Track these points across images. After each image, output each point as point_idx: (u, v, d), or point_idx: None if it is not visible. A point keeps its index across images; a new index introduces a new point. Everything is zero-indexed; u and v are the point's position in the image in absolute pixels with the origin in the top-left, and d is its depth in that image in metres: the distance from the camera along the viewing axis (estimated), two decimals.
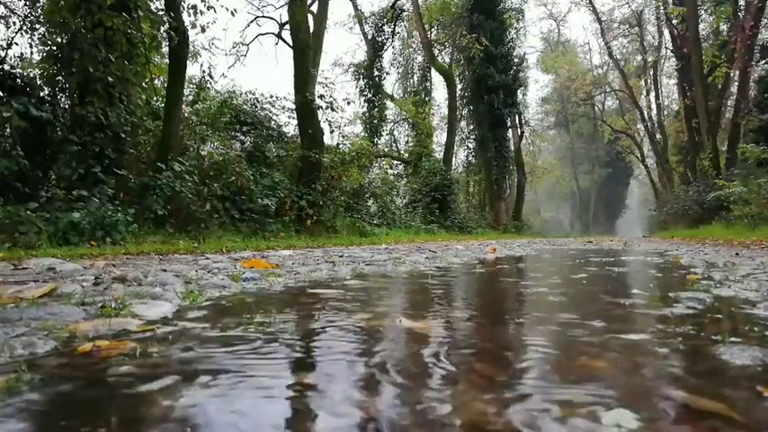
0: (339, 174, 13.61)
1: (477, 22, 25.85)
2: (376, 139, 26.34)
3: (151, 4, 9.69)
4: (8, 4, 9.33)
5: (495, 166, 27.57)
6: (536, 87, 54.37)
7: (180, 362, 1.13)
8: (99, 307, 1.75)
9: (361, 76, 27.57)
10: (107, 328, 1.43)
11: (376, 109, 27.36)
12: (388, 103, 29.14)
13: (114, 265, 3.82)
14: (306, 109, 12.78)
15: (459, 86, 27.87)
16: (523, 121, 33.28)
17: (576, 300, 2.29)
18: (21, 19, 9.02)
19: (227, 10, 11.55)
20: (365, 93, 27.38)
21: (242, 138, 13.90)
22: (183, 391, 0.92)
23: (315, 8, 17.15)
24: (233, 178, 10.41)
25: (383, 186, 19.41)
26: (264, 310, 1.81)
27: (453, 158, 28.75)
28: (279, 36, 22.89)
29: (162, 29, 9.73)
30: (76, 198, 7.12)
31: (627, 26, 35.02)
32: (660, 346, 1.28)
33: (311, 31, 14.34)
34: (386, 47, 28.81)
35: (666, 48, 33.14)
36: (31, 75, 8.72)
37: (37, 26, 9.04)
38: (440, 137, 32.35)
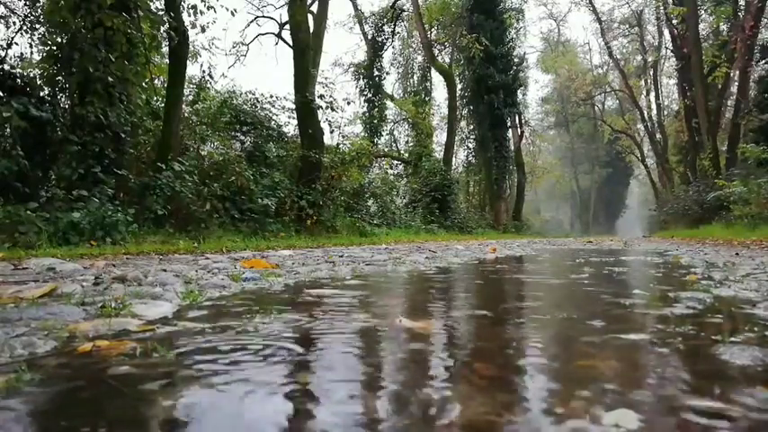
0: (339, 174, 13.62)
1: (477, 22, 25.84)
2: (376, 139, 26.34)
3: (151, 4, 9.69)
4: (8, 4, 9.33)
5: (495, 166, 27.57)
6: (536, 87, 54.46)
7: (180, 362, 1.13)
8: (99, 307, 1.75)
9: (361, 76, 27.57)
10: (107, 328, 1.43)
11: (376, 109, 27.36)
12: (388, 103, 29.14)
13: (114, 265, 3.82)
14: (306, 109, 12.79)
15: (459, 86, 27.87)
16: (523, 121, 33.29)
17: (576, 300, 2.29)
18: (21, 19, 9.02)
19: (227, 10, 11.55)
20: (365, 93, 27.38)
21: (242, 138, 13.90)
22: (183, 390, 0.92)
23: (315, 8, 17.15)
24: (233, 178, 10.41)
25: (383, 186, 19.42)
26: (264, 310, 1.81)
27: (453, 158, 28.76)
28: (279, 36, 22.90)
29: (162, 29, 9.73)
30: (76, 198, 7.12)
31: (627, 26, 35.03)
32: (660, 346, 1.28)
33: (311, 31, 14.34)
34: (386, 47, 28.84)
35: (666, 48, 33.18)
36: (31, 75, 8.72)
37: (37, 26, 9.05)
38: (440, 137, 32.38)
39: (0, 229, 5.85)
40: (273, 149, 13.51)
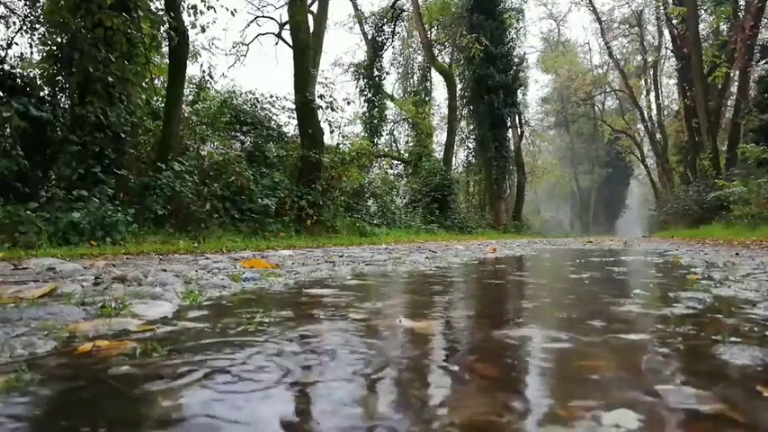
0: (339, 174, 13.62)
1: (477, 22, 25.84)
2: (376, 139, 26.34)
3: (151, 4, 9.69)
4: (8, 4, 9.33)
5: (495, 166, 27.57)
6: (536, 87, 54.41)
7: (180, 362, 1.13)
8: (99, 307, 1.75)
9: (361, 76, 27.57)
10: (107, 328, 1.43)
11: (376, 109, 27.36)
12: (388, 103, 29.13)
13: (114, 265, 3.82)
14: (306, 109, 12.78)
15: (459, 86, 27.87)
16: (523, 121, 33.29)
17: (576, 299, 2.29)
18: (21, 19, 9.02)
19: (227, 10, 11.55)
20: (365, 93, 27.38)
21: (242, 138, 13.90)
22: (183, 391, 0.92)
23: (315, 8, 17.15)
24: (233, 178, 10.41)
25: (383, 186, 19.41)
26: (264, 310, 1.81)
27: (453, 158, 28.76)
28: (279, 36, 22.90)
29: (162, 29, 9.72)
30: (76, 198, 7.12)
31: (627, 26, 35.02)
32: (660, 345, 1.28)
33: (311, 30, 14.34)
34: (386, 47, 28.84)
35: (666, 48, 33.17)
36: (31, 75, 8.71)
37: (37, 26, 9.04)
38: (440, 137, 32.38)
39: (0, 229, 5.85)
40: (273, 149, 13.51)
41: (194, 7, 10.08)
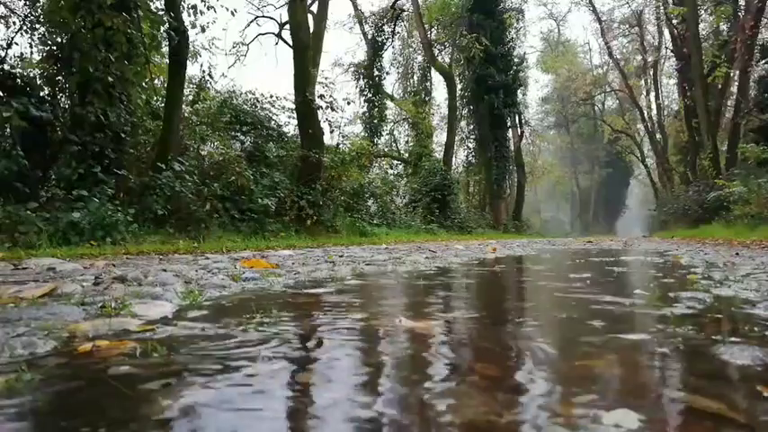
0: (339, 174, 13.61)
1: (477, 22, 25.84)
2: (376, 139, 26.34)
3: (151, 4, 9.70)
4: (8, 3, 9.34)
5: (495, 166, 27.57)
6: (536, 87, 54.34)
7: (180, 362, 1.13)
8: (99, 307, 1.75)
9: (361, 76, 27.55)
10: (107, 328, 1.43)
11: (376, 109, 27.35)
12: (388, 103, 29.13)
13: (114, 265, 3.82)
14: (306, 109, 12.78)
15: (459, 86, 27.87)
16: (523, 121, 33.27)
17: (576, 299, 2.29)
18: (21, 19, 9.02)
19: (227, 10, 11.57)
20: (365, 93, 27.37)
21: (242, 138, 13.90)
22: (183, 390, 0.92)
23: (315, 8, 17.16)
24: (233, 178, 10.41)
25: (383, 186, 19.41)
26: (265, 310, 1.81)
27: (453, 158, 28.76)
28: (279, 36, 22.89)
29: (162, 29, 9.73)
30: (76, 198, 7.12)
31: (627, 26, 34.98)
32: (660, 345, 1.28)
33: (311, 31, 14.35)
34: (386, 47, 28.82)
35: (666, 48, 33.13)
36: (31, 75, 8.71)
37: (37, 26, 9.03)
38: (440, 137, 32.36)
39: (0, 229, 5.85)
40: (273, 149, 13.51)
41: (194, 7, 10.09)
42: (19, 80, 8.13)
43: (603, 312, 1.82)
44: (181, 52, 10.11)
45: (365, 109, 27.36)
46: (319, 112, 13.47)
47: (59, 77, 8.56)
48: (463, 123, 30.05)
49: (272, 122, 14.68)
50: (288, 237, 10.46)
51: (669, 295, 2.19)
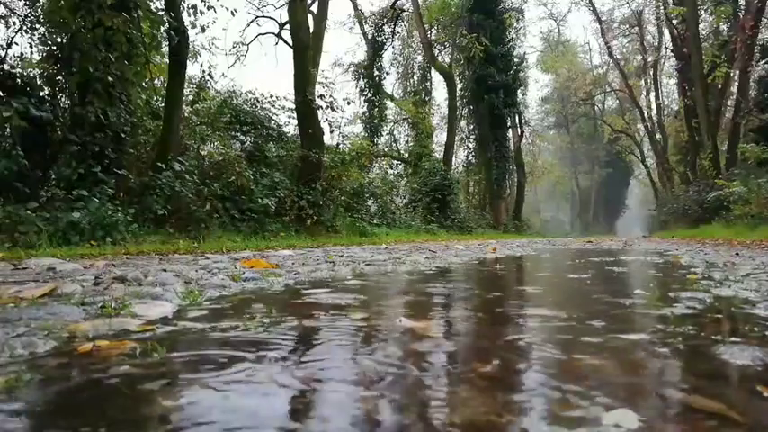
0: (339, 174, 13.61)
1: (477, 22, 25.84)
2: (376, 139, 26.34)
3: (151, 4, 9.69)
4: (8, 3, 9.33)
5: (495, 166, 27.57)
6: (536, 87, 54.37)
7: (180, 361, 1.13)
8: (99, 307, 1.75)
9: (361, 76, 27.55)
10: (107, 328, 1.43)
11: (376, 109, 27.35)
12: (388, 103, 29.13)
13: (114, 265, 3.82)
14: (306, 109, 12.78)
15: (459, 86, 27.87)
16: (523, 121, 33.29)
17: (576, 299, 2.29)
18: (21, 19, 9.01)
19: (227, 10, 11.56)
20: (365, 93, 27.37)
21: (242, 138, 13.90)
22: (183, 390, 0.92)
23: (315, 8, 17.16)
24: (233, 178, 10.41)
25: (383, 186, 19.41)
26: (265, 310, 1.81)
27: (453, 158, 28.77)
28: (279, 36, 22.88)
29: (162, 29, 9.72)
30: (76, 198, 7.12)
31: (627, 26, 34.98)
32: (660, 345, 1.28)
33: (311, 30, 14.34)
34: (386, 47, 28.81)
35: (666, 48, 33.15)
36: (31, 75, 8.71)
37: (37, 26, 9.03)
38: (440, 137, 32.38)
39: (0, 229, 5.85)
40: (273, 149, 13.51)
41: (194, 7, 10.08)
42: (19, 80, 8.13)
43: (603, 312, 1.82)
44: (181, 52, 10.11)
45: (365, 109, 27.37)
46: (319, 112, 13.48)
47: (59, 77, 8.55)
48: (463, 123, 30.06)
49: (272, 122, 14.68)
50: (288, 237, 10.46)
51: (669, 295, 2.19)
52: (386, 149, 28.30)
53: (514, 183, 31.35)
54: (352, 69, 28.56)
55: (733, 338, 1.34)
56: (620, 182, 56.44)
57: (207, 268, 3.59)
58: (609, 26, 35.40)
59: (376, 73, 27.82)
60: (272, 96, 14.86)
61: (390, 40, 29.08)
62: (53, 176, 7.88)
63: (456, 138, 28.10)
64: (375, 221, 16.37)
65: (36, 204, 6.64)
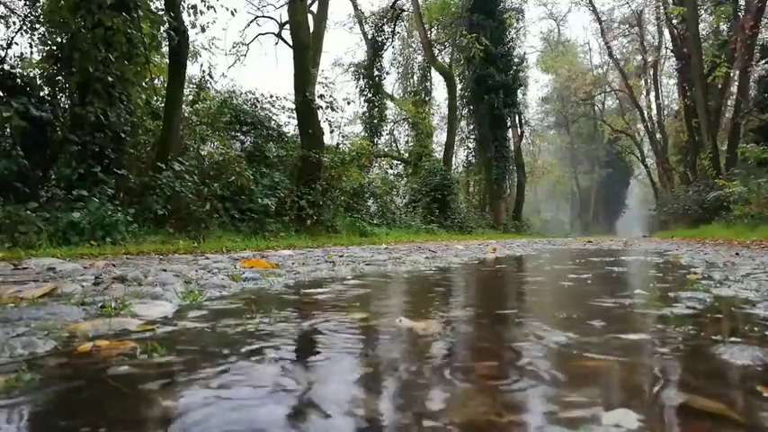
0: (339, 174, 13.61)
1: (477, 22, 25.84)
2: (376, 139, 26.34)
3: (151, 4, 9.69)
4: (8, 3, 9.33)
5: (495, 166, 27.57)
6: (536, 87, 54.35)
7: (180, 362, 1.13)
8: (99, 307, 1.75)
9: (361, 76, 27.55)
10: (107, 328, 1.43)
11: (376, 109, 27.34)
12: (388, 103, 29.12)
13: (114, 265, 3.82)
14: (306, 109, 12.78)
15: (459, 86, 27.86)
16: (523, 121, 33.27)
17: (576, 299, 2.29)
18: (21, 19, 9.01)
19: (227, 10, 11.57)
20: (365, 93, 27.36)
21: (242, 138, 13.90)
22: (183, 390, 0.92)
23: (315, 8, 17.15)
24: (233, 178, 10.41)
25: (383, 186, 19.41)
26: (265, 310, 1.81)
27: (453, 158, 28.76)
28: (279, 36, 22.88)
29: (162, 29, 9.72)
30: (76, 198, 7.12)
31: (627, 26, 34.97)
32: (660, 345, 1.28)
33: (311, 30, 14.34)
34: (386, 47, 28.81)
35: (666, 48, 33.13)
36: (31, 75, 8.71)
37: (37, 26, 9.03)
38: (440, 137, 32.37)
39: (0, 229, 5.85)
40: (273, 149, 13.51)
41: (194, 7, 10.09)
42: (19, 80, 8.13)
43: (603, 312, 1.82)
44: (181, 52, 10.11)
45: (365, 109, 27.37)
46: (319, 112, 13.48)
47: (59, 77, 8.55)
48: (463, 123, 30.05)
49: (272, 122, 14.68)
50: (288, 237, 10.46)
51: (669, 295, 2.19)
52: (386, 149, 28.30)
53: (514, 183, 31.35)
54: (352, 69, 28.57)
55: (733, 338, 1.34)
56: (620, 182, 56.45)
57: (207, 268, 3.59)
58: (609, 26, 35.40)
59: (376, 73, 27.82)
60: (272, 96, 14.88)
61: (390, 40, 29.10)
62: (53, 176, 7.88)
63: (456, 138, 28.10)
64: (375, 221, 16.37)
65: (36, 204, 6.64)
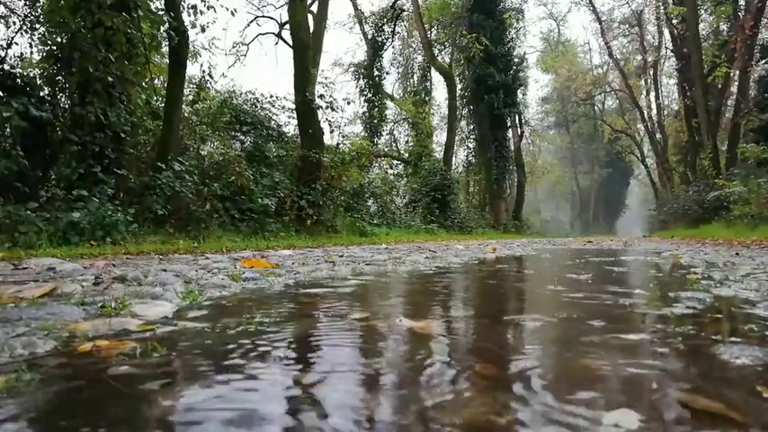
0: (339, 174, 13.61)
1: (477, 22, 25.85)
2: (376, 139, 26.35)
3: (151, 3, 9.69)
4: (8, 3, 9.32)
5: (495, 166, 27.58)
6: (536, 87, 54.45)
7: (180, 361, 1.13)
8: (99, 307, 1.75)
9: (361, 76, 27.55)
10: (107, 328, 1.43)
11: (376, 109, 27.34)
12: (388, 103, 29.12)
13: (114, 265, 3.82)
14: (306, 109, 12.78)
15: (459, 86, 27.87)
16: (523, 121, 33.28)
17: (575, 299, 2.29)
18: (21, 19, 9.01)
19: (227, 10, 11.57)
20: (365, 93, 27.36)
21: (242, 138, 13.90)
22: (183, 390, 0.92)
23: (315, 8, 17.15)
24: (233, 178, 10.41)
25: (383, 186, 19.41)
26: (265, 310, 1.81)
27: (453, 158, 28.76)
28: (279, 36, 22.89)
29: (162, 29, 9.72)
30: (76, 198, 7.12)
31: (627, 26, 34.97)
32: (660, 345, 1.28)
33: (311, 30, 14.34)
34: (386, 47, 28.81)
35: (666, 48, 33.14)
36: (31, 75, 8.70)
37: (37, 26, 9.03)
38: (440, 137, 32.38)
39: (0, 229, 5.85)
40: (273, 149, 13.51)
41: (194, 7, 10.09)
42: (19, 80, 8.12)
43: (603, 312, 1.82)
44: (181, 52, 10.11)
45: (365, 109, 27.37)
46: (319, 112, 13.48)
47: (59, 77, 8.55)
48: (463, 123, 30.06)
49: (272, 122, 14.68)
50: (288, 237, 10.46)
51: (669, 295, 2.19)
52: (386, 149, 28.29)
53: (514, 183, 31.35)
54: (352, 69, 28.58)
55: (733, 338, 1.34)
56: (620, 182, 56.47)
57: (207, 268, 3.59)
58: (609, 26, 35.39)
59: (376, 73, 27.82)
60: (272, 96, 14.89)
61: (390, 40, 29.10)
62: (53, 176, 7.88)
63: (456, 138, 28.10)
64: (375, 221, 16.37)
65: (36, 204, 6.63)
